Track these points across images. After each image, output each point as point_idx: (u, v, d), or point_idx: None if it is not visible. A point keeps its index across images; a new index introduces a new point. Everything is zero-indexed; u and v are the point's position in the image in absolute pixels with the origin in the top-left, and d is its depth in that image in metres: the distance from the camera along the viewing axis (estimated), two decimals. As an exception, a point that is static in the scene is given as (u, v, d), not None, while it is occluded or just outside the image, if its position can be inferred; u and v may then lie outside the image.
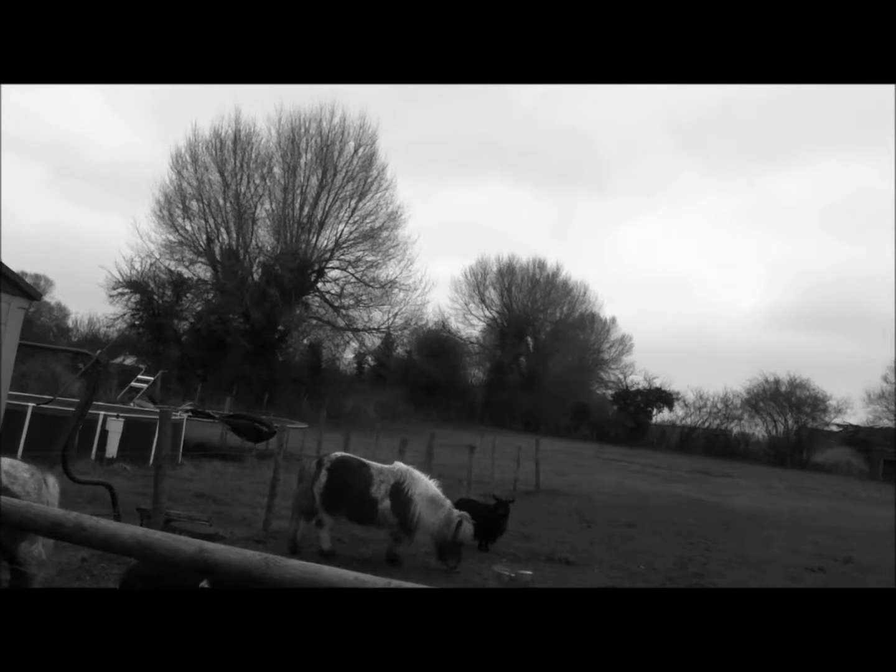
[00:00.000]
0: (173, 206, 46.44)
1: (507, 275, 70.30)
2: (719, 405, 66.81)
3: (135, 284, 44.55)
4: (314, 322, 49.85)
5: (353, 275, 49.45)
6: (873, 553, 15.45)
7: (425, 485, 9.44)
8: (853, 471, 57.94)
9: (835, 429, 64.58)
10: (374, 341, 54.15)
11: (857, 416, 64.27)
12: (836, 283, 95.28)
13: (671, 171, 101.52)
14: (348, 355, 56.41)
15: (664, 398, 67.90)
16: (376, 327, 51.14)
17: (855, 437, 62.00)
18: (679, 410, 68.14)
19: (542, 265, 69.92)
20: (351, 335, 51.37)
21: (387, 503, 9.29)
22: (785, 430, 64.86)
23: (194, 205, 46.77)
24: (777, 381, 65.26)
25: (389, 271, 49.31)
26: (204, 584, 3.59)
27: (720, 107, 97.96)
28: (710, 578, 10.69)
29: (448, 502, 9.47)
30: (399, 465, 9.78)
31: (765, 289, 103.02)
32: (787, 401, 64.61)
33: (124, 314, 45.23)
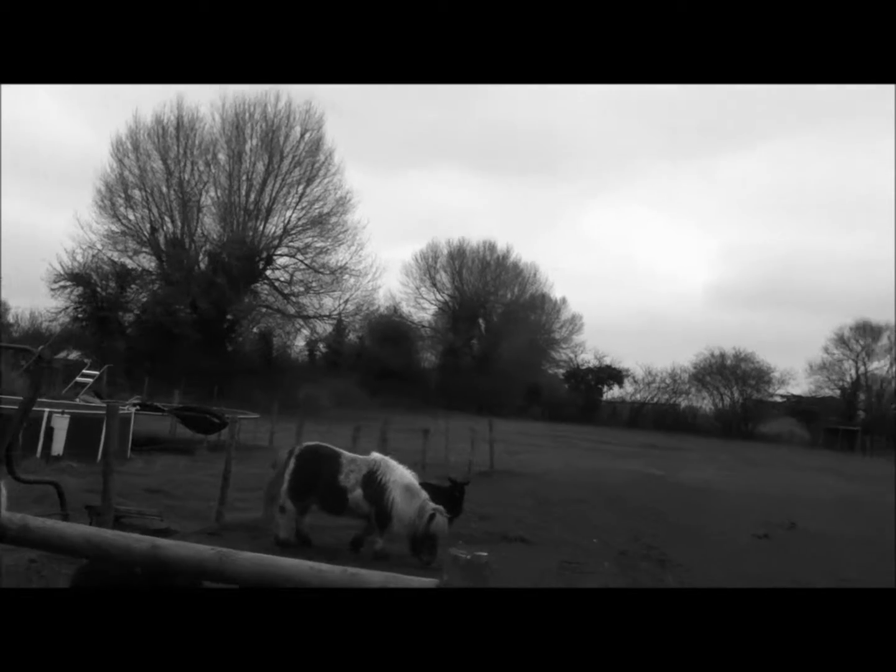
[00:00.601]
0: (115, 196, 45.36)
1: (458, 258, 70.32)
2: (667, 380, 68.10)
3: (77, 277, 43.45)
4: (264, 310, 49.24)
5: (302, 261, 48.98)
6: (816, 519, 16.01)
7: (401, 473, 9.43)
8: (796, 440, 59.74)
9: (778, 400, 66.45)
10: (325, 328, 53.84)
11: (800, 386, 66.25)
12: (780, 262, 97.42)
13: (622, 153, 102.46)
14: (300, 343, 55.98)
15: (614, 375, 68.92)
16: (327, 314, 50.83)
17: (798, 407, 63.87)
18: (629, 387, 69.32)
19: (492, 247, 70.12)
20: (302, 322, 50.94)
21: (358, 492, 9.27)
22: (731, 403, 66.46)
23: (137, 194, 45.74)
24: (723, 356, 66.75)
25: (339, 257, 48.97)
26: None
27: (669, 89, 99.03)
28: (660, 550, 10.96)
29: (424, 494, 9.41)
30: (375, 454, 9.80)
31: (712, 268, 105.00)
32: (732, 374, 66.14)
33: (67, 307, 44.18)
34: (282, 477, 9.62)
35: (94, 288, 43.95)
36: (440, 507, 9.33)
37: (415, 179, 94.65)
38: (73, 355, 37.03)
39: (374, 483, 9.24)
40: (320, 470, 9.42)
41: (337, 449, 9.89)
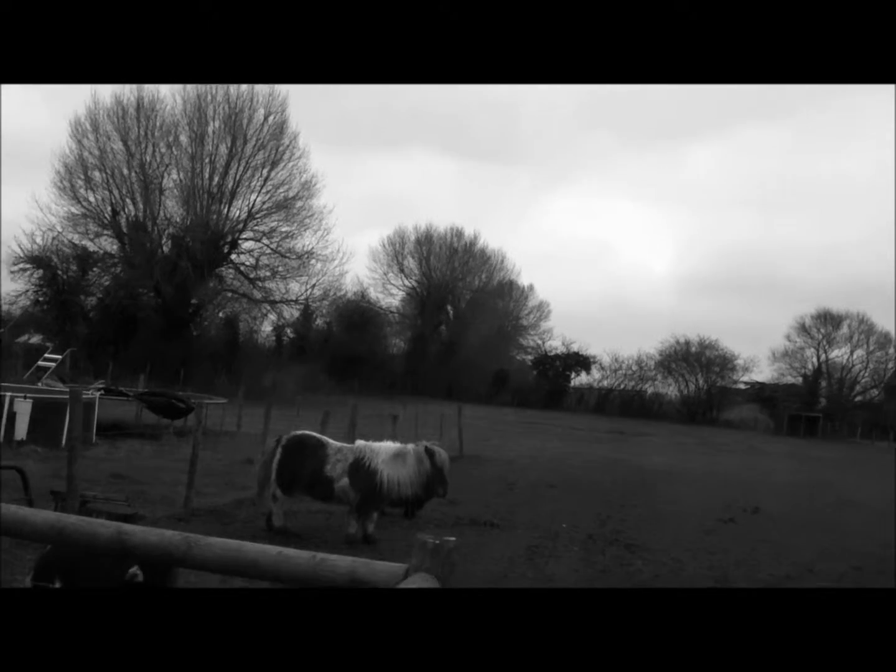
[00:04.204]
0: (74, 177, 44.38)
1: (426, 244, 70.18)
2: (634, 367, 68.81)
3: (37, 259, 42.58)
4: (229, 295, 48.70)
5: (268, 246, 48.44)
6: (779, 503, 16.32)
7: (384, 449, 9.51)
8: (760, 426, 60.81)
9: (742, 387, 67.55)
10: (292, 313, 53.42)
11: (763, 373, 67.37)
12: (743, 251, 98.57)
13: (590, 141, 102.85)
14: (266, 328, 55.50)
15: (582, 362, 69.46)
16: (294, 299, 50.36)
17: (761, 393, 64.99)
18: (596, 374, 69.92)
19: (459, 234, 70.06)
20: (268, 307, 50.49)
21: (345, 481, 9.27)
22: (696, 389, 67.39)
23: (97, 175, 44.80)
24: (688, 343, 67.60)
25: (306, 242, 48.49)
26: (135, 570, 3.45)
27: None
28: (628, 534, 11.09)
29: (410, 446, 9.60)
30: (359, 442, 9.79)
31: (678, 257, 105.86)
32: (697, 361, 67.04)
33: (27, 291, 43.26)
34: (269, 466, 9.61)
35: (54, 271, 43.09)
36: (429, 442, 9.63)
37: (380, 164, 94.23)
38: (35, 339, 36.42)
39: (361, 470, 9.26)
40: (306, 460, 9.42)
41: (323, 438, 9.85)
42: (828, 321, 65.07)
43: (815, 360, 66.24)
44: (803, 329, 66.03)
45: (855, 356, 64.94)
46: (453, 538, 2.24)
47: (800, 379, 66.42)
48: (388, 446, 9.63)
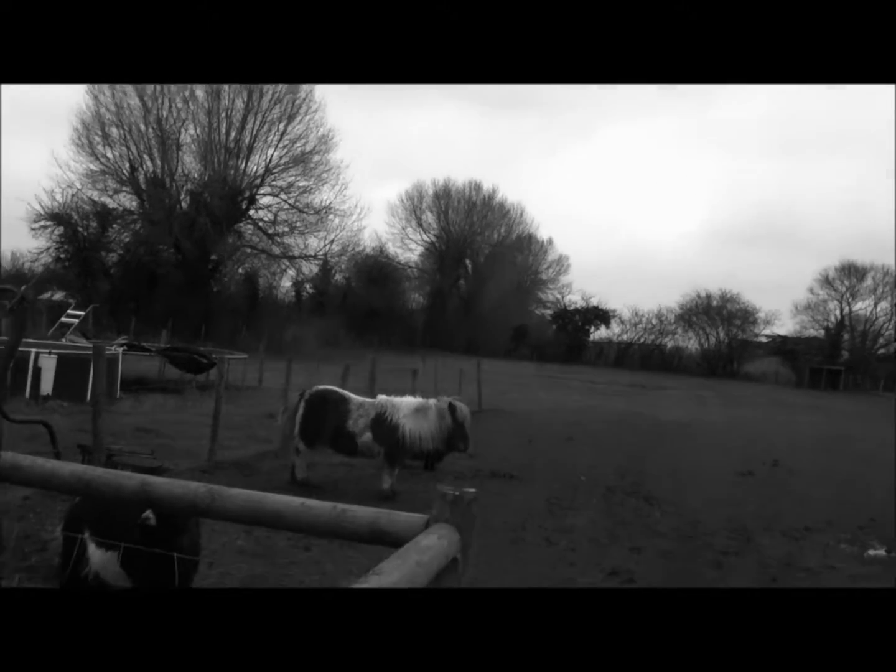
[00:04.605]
0: (92, 134, 44.42)
1: (444, 198, 69.68)
2: (654, 321, 68.50)
3: (57, 217, 42.80)
4: (248, 251, 48.82)
5: (285, 201, 48.38)
6: (799, 456, 16.30)
7: (406, 404, 9.58)
8: (781, 379, 60.51)
9: (764, 340, 67.04)
10: (311, 269, 53.52)
11: (785, 327, 66.83)
12: (766, 203, 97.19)
13: (614, 94, 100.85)
14: (286, 284, 55.69)
15: (601, 316, 69.18)
16: (313, 254, 50.43)
17: (783, 347, 64.51)
18: (616, 328, 69.68)
19: (477, 187, 69.45)
20: (287, 263, 50.60)
21: (367, 436, 9.37)
22: (716, 343, 67.02)
23: (114, 131, 44.79)
24: (709, 296, 67.06)
25: (323, 196, 48.38)
26: (148, 513, 3.59)
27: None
28: (646, 486, 11.14)
29: (431, 401, 9.68)
30: (381, 397, 9.87)
31: (702, 210, 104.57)
32: (718, 314, 66.55)
33: (48, 248, 43.61)
34: (293, 420, 9.72)
35: (75, 228, 43.32)
36: (450, 398, 9.70)
37: (397, 116, 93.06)
38: (57, 296, 36.74)
39: (383, 425, 9.33)
40: (328, 415, 9.50)
41: (345, 393, 9.92)
42: (852, 273, 64.16)
43: (837, 312, 65.57)
44: (827, 281, 65.24)
45: (879, 308, 64.09)
46: (473, 489, 2.26)
47: (822, 332, 65.80)
48: (409, 401, 9.69)
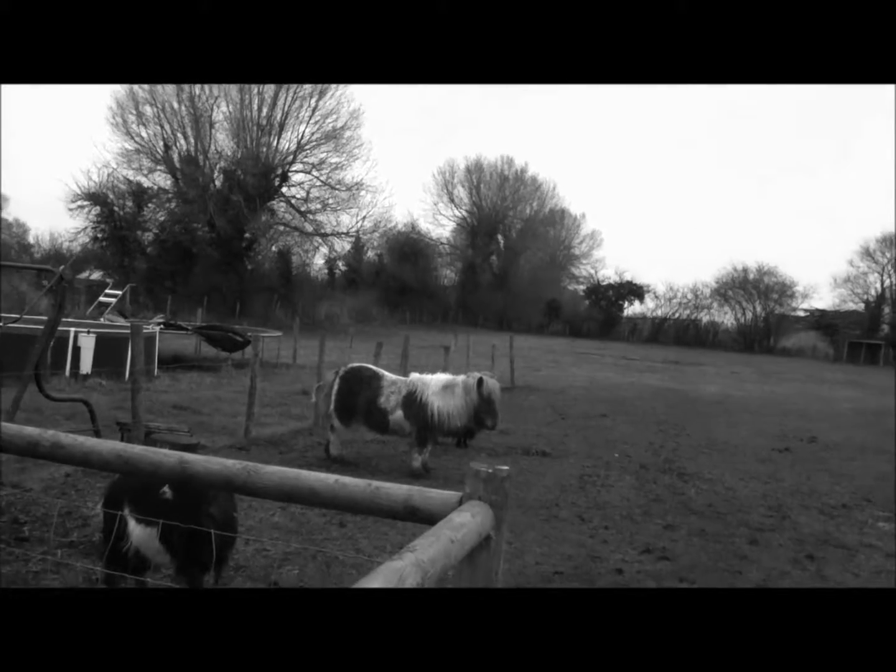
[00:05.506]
0: (126, 113, 44.86)
1: (476, 172, 69.31)
2: (689, 296, 67.71)
3: (94, 196, 43.34)
4: (281, 228, 49.06)
5: (317, 178, 48.44)
6: (836, 432, 16.07)
7: (435, 381, 9.59)
8: (819, 354, 59.57)
9: (802, 314, 65.99)
10: (343, 246, 53.69)
11: (824, 300, 65.95)
12: (806, 174, 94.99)
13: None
14: (318, 261, 55.98)
15: (635, 291, 68.56)
16: (345, 231, 50.52)
17: (821, 321, 63.41)
18: (650, 303, 69.06)
19: (510, 162, 68.98)
20: (320, 240, 50.78)
21: (399, 413, 9.42)
22: (753, 318, 66.10)
23: (148, 110, 45.19)
24: (745, 270, 66.07)
25: (355, 173, 48.52)
26: (165, 488, 3.73)
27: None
28: (680, 463, 11.08)
29: (459, 377, 9.69)
30: (413, 375, 9.92)
31: (740, 179, 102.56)
32: (755, 288, 65.57)
33: (86, 227, 44.23)
34: (329, 397, 9.84)
35: (111, 207, 43.84)
36: (479, 374, 9.62)
37: (430, 92, 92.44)
38: (95, 275, 37.36)
39: (414, 404, 9.37)
40: (362, 391, 9.58)
41: (378, 370, 9.98)
42: (893, 245, 62.64)
43: (878, 285, 64.26)
44: (867, 254, 63.90)
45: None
46: (506, 467, 2.26)
47: (861, 305, 64.56)
48: (438, 378, 9.70)
